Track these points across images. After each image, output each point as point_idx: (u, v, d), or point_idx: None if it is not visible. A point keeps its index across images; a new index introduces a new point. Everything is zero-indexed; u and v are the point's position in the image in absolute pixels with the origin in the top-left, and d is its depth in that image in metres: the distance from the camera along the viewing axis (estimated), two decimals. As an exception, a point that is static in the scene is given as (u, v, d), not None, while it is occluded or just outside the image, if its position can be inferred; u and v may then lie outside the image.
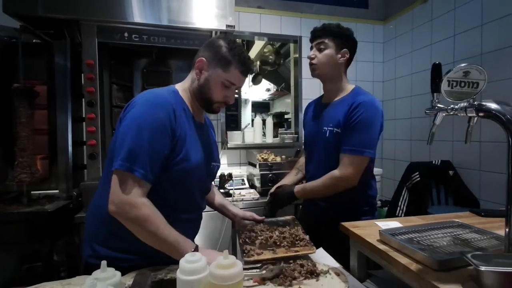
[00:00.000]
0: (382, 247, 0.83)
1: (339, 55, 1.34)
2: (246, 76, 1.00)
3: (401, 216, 1.99)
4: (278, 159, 2.20)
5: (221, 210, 1.25)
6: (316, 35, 1.38)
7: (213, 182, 1.24)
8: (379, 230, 0.88)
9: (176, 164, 0.89)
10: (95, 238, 0.92)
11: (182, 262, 0.60)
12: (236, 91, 1.21)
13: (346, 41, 1.35)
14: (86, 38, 1.64)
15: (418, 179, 1.97)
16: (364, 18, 2.85)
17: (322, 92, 2.74)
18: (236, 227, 1.19)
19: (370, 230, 0.97)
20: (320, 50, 1.36)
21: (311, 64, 1.38)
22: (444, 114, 0.77)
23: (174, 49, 1.90)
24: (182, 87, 1.00)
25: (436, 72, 0.77)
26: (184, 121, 0.92)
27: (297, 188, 1.31)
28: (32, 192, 1.68)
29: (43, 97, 1.72)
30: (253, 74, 4.34)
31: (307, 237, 1.07)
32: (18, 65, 1.63)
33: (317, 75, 1.40)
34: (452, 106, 0.75)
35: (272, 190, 1.42)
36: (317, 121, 1.38)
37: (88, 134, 1.63)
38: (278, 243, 1.04)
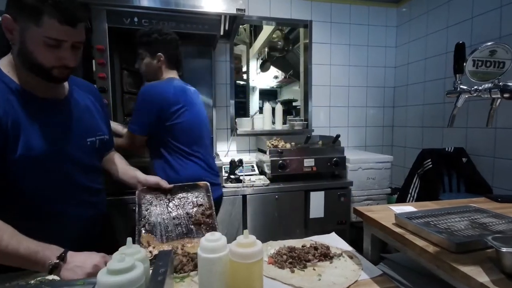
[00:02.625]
0: (398, 230, 0.83)
1: (155, 60, 1.42)
2: (71, 24, 0.75)
3: (411, 202, 1.99)
4: (288, 145, 2.19)
5: (123, 178, 1.09)
6: (135, 45, 1.44)
7: (115, 153, 1.12)
8: (395, 214, 0.88)
9: (16, 157, 0.74)
10: None
11: (202, 241, 0.61)
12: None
13: (156, 47, 1.41)
14: (96, 23, 1.62)
15: (430, 166, 1.95)
16: (377, 1, 2.76)
17: (331, 78, 2.72)
18: (136, 199, 1.02)
19: (384, 214, 0.97)
20: (142, 60, 1.45)
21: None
22: (466, 96, 0.75)
23: (183, 34, 1.87)
24: (7, 61, 0.80)
25: (460, 53, 0.75)
26: (14, 104, 0.76)
27: None
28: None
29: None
30: (262, 61, 4.29)
31: (215, 222, 1.00)
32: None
33: (147, 81, 1.49)
34: (475, 87, 0.73)
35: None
36: None
37: (101, 120, 1.64)
38: (181, 232, 0.95)
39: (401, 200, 2.06)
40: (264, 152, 2.14)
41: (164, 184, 1.05)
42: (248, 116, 2.88)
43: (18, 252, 0.67)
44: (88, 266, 0.70)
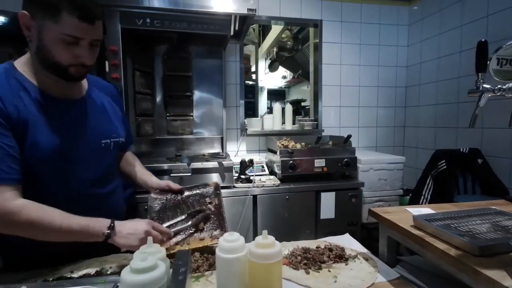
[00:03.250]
0: (417, 232, 0.81)
1: None
2: (90, 22, 0.74)
3: (424, 204, 1.95)
4: (298, 145, 2.18)
5: (139, 182, 1.11)
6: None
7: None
8: (413, 216, 0.86)
9: (27, 155, 0.75)
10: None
11: (221, 241, 0.61)
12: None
13: None
14: (109, 24, 1.64)
15: (444, 167, 1.91)
16: (389, -1, 2.72)
17: (342, 78, 2.70)
18: (148, 202, 1.05)
19: (401, 215, 0.95)
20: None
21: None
22: (489, 95, 0.73)
23: (193, 34, 1.88)
24: (24, 60, 0.81)
25: (482, 51, 0.73)
26: (25, 101, 0.76)
27: None
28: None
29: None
30: (270, 61, 4.29)
31: (224, 219, 1.01)
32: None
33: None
34: (499, 86, 0.71)
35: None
36: None
37: (114, 120, 1.66)
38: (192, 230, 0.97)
39: (414, 201, 2.03)
40: (274, 152, 2.14)
41: (174, 185, 1.08)
42: (257, 116, 2.88)
43: (72, 229, 0.73)
44: (140, 232, 0.76)
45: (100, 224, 0.76)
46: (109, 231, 0.75)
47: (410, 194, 2.17)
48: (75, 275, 0.78)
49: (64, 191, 0.84)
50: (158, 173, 1.68)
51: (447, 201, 1.72)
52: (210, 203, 1.07)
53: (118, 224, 0.78)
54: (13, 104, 0.73)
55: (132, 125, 1.97)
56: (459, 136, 2.28)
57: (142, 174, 1.11)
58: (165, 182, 1.08)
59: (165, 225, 0.93)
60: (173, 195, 1.09)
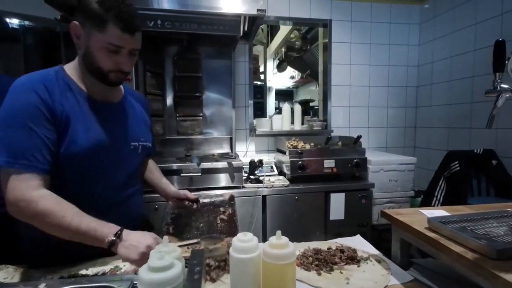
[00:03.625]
0: (431, 235, 0.80)
1: None
2: (131, 33, 0.82)
3: (437, 206, 1.92)
4: (307, 146, 2.17)
5: (158, 190, 1.18)
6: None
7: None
8: (428, 218, 0.85)
9: (62, 148, 0.80)
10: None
11: (235, 241, 0.61)
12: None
13: None
14: (121, 26, 1.67)
15: (458, 168, 1.87)
16: (399, -2, 2.69)
17: (351, 78, 2.67)
18: (166, 209, 1.13)
19: (415, 217, 0.94)
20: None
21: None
22: (507, 95, 0.71)
23: (203, 35, 1.89)
24: (72, 65, 0.90)
25: (500, 50, 0.71)
26: (68, 101, 0.83)
27: None
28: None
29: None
30: (278, 61, 4.28)
31: (238, 228, 1.09)
32: (60, 54, 1.70)
33: None
34: (518, 86, 0.69)
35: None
36: None
37: (125, 120, 1.69)
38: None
39: (426, 203, 1.99)
40: (283, 152, 2.13)
41: (190, 195, 1.13)
42: (266, 117, 2.88)
43: (80, 229, 0.73)
44: (142, 246, 0.74)
45: (108, 229, 0.76)
46: (114, 238, 0.75)
47: (422, 196, 2.14)
48: (90, 272, 0.79)
49: (91, 190, 0.88)
50: (168, 173, 1.70)
51: (461, 203, 1.69)
52: (224, 212, 1.13)
53: (126, 233, 0.77)
54: (60, 103, 0.81)
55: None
56: (473, 137, 2.23)
57: (162, 182, 1.18)
58: (183, 192, 1.13)
59: (176, 244, 0.96)
60: (189, 204, 1.14)
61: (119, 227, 0.77)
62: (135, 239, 0.75)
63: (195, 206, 1.13)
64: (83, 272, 0.80)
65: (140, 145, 1.01)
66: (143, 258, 0.71)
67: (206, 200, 1.17)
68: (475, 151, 1.96)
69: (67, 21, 1.79)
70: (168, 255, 0.49)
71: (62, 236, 0.75)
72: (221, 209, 1.14)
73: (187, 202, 1.13)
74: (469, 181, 1.88)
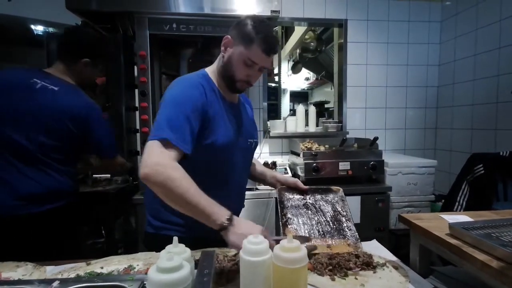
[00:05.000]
0: (453, 241, 0.76)
1: None
2: (269, 55, 0.97)
3: (459, 211, 1.83)
4: (322, 148, 2.14)
5: (262, 178, 1.24)
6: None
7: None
8: (449, 224, 0.81)
9: (205, 142, 0.93)
10: (149, 211, 1.05)
11: (245, 243, 0.60)
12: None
13: None
14: (138, 31, 1.71)
15: (482, 172, 1.78)
16: (419, -5, 2.60)
17: (367, 78, 2.61)
18: (278, 197, 1.12)
19: (436, 223, 0.90)
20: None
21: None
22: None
23: (218, 37, 1.90)
24: (212, 69, 1.04)
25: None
26: (215, 101, 0.97)
27: None
28: (93, 175, 1.84)
29: (101, 87, 1.85)
30: (293, 62, 4.26)
31: (353, 227, 1.02)
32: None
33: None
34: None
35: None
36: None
37: (142, 122, 1.73)
38: (320, 232, 1.00)
39: (448, 208, 1.90)
40: (297, 154, 2.11)
41: (301, 185, 1.15)
42: (280, 118, 2.86)
43: (199, 204, 0.78)
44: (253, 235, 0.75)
45: (222, 213, 0.80)
46: (227, 223, 0.78)
47: (443, 200, 2.04)
48: (104, 271, 0.81)
49: (218, 178, 1.01)
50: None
51: (485, 209, 1.60)
52: (340, 212, 1.08)
53: (236, 220, 0.81)
54: (210, 102, 0.95)
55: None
56: (498, 139, 2.11)
57: (267, 171, 1.27)
58: (293, 180, 1.16)
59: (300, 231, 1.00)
60: (299, 195, 1.14)
61: (229, 212, 0.81)
62: (245, 228, 0.78)
63: (307, 198, 1.13)
64: (98, 271, 0.81)
65: (253, 141, 1.14)
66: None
67: (318, 196, 1.14)
68: (501, 153, 1.85)
69: (88, 27, 1.86)
70: (178, 256, 0.48)
71: (177, 207, 0.81)
72: (338, 207, 1.09)
73: (296, 193, 1.14)
74: (495, 185, 1.78)
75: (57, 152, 1.23)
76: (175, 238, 0.56)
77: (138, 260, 0.88)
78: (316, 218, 1.04)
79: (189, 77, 0.99)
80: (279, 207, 1.07)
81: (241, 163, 1.08)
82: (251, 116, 1.20)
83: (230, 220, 0.78)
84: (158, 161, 0.79)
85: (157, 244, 0.79)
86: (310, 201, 1.11)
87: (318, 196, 1.14)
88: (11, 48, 2.23)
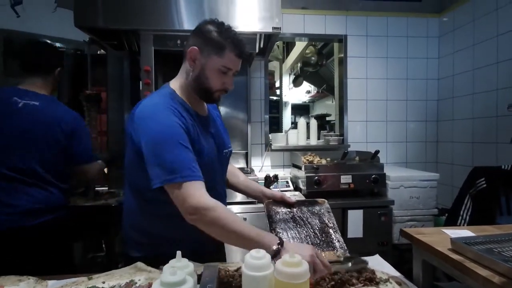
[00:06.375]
0: (455, 256, 0.76)
1: None
2: (241, 58, 0.94)
3: (463, 226, 1.81)
4: (324, 161, 2.14)
5: (246, 191, 1.20)
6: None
7: (234, 164, 1.24)
8: (451, 238, 0.81)
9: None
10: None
11: (247, 257, 0.61)
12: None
13: None
14: (144, 47, 1.76)
15: (484, 185, 1.77)
16: (416, 11, 2.67)
17: (368, 92, 2.65)
18: (266, 211, 1.09)
19: (437, 237, 0.89)
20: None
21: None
22: (533, 110, 0.68)
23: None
24: (178, 85, 0.98)
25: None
26: (190, 121, 0.92)
27: None
28: (95, 188, 1.85)
29: (104, 102, 1.89)
30: (294, 76, 4.33)
31: (341, 239, 1.02)
32: (87, 74, 1.81)
33: None
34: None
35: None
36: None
37: (145, 135, 1.75)
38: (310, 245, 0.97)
39: (451, 222, 1.89)
40: (299, 167, 2.11)
41: (288, 199, 1.12)
42: (281, 131, 2.89)
43: (250, 235, 0.80)
44: (306, 256, 0.74)
45: (270, 238, 0.82)
46: (279, 246, 0.79)
47: (446, 214, 2.03)
48: (106, 286, 0.81)
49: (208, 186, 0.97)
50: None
51: (489, 223, 1.59)
52: (327, 224, 1.08)
53: (286, 244, 0.82)
54: (187, 122, 0.91)
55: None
56: (500, 152, 2.12)
57: (253, 184, 1.22)
58: (280, 194, 1.14)
59: None
60: (286, 208, 1.12)
61: (276, 236, 0.84)
62: (298, 249, 0.77)
63: (294, 211, 1.10)
64: (100, 285, 0.81)
65: (228, 151, 1.11)
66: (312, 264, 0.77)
67: (305, 209, 1.12)
68: (503, 167, 1.85)
69: (95, 43, 1.91)
70: (181, 270, 0.49)
71: (230, 242, 0.84)
72: (325, 219, 1.09)
73: (283, 207, 1.11)
74: (497, 199, 1.77)
75: (49, 165, 1.25)
76: (179, 253, 0.57)
77: (140, 275, 0.88)
78: (304, 231, 1.03)
79: (157, 101, 0.91)
80: (267, 221, 1.05)
81: (220, 174, 1.07)
82: (221, 123, 1.15)
83: (281, 245, 0.79)
84: (197, 204, 0.80)
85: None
86: (298, 214, 1.10)
87: (305, 209, 1.12)
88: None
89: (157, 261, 0.85)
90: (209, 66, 0.91)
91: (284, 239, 0.87)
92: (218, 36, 0.90)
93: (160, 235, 0.96)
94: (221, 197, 1.03)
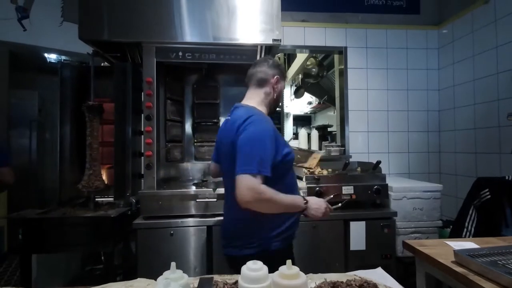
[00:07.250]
0: (459, 269, 0.74)
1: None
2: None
3: (468, 237, 1.77)
4: (325, 172, 2.13)
5: None
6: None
7: None
8: (454, 250, 0.79)
9: (283, 159, 1.15)
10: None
11: (244, 269, 0.59)
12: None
13: None
14: (146, 59, 1.79)
15: (488, 196, 1.74)
16: (416, 24, 2.71)
17: (369, 103, 2.65)
18: None
19: (441, 249, 0.87)
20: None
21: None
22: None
23: (222, 64, 1.99)
24: (260, 105, 1.26)
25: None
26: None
27: None
28: (96, 198, 1.84)
29: (110, 113, 1.90)
30: (295, 87, 4.36)
31: None
32: (90, 86, 1.84)
33: None
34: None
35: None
36: None
37: (146, 146, 1.76)
38: None
39: (456, 234, 1.85)
40: (300, 178, 2.10)
41: None
42: (283, 142, 2.88)
43: (289, 203, 1.12)
44: (322, 208, 1.20)
45: (300, 200, 1.16)
46: (306, 205, 1.16)
47: (451, 226, 1.99)
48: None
49: (289, 182, 1.26)
50: (185, 197, 1.72)
51: (494, 235, 1.56)
52: None
53: (308, 200, 1.17)
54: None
55: (161, 151, 2.06)
56: (504, 163, 2.09)
57: None
58: None
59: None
60: None
61: (301, 197, 1.19)
62: (316, 204, 1.19)
63: None
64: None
65: None
66: (324, 214, 1.19)
67: None
68: (507, 177, 1.83)
69: (99, 55, 1.95)
70: (175, 282, 0.48)
71: (275, 211, 1.10)
72: None
73: None
74: (502, 210, 1.73)
75: None
76: (173, 264, 0.56)
77: (136, 287, 0.86)
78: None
79: (258, 113, 1.18)
80: None
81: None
82: None
83: (306, 202, 1.16)
84: (254, 189, 1.02)
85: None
86: None
87: None
88: (25, 75, 2.34)
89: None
90: (281, 89, 1.30)
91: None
92: (283, 68, 1.30)
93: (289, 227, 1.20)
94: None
